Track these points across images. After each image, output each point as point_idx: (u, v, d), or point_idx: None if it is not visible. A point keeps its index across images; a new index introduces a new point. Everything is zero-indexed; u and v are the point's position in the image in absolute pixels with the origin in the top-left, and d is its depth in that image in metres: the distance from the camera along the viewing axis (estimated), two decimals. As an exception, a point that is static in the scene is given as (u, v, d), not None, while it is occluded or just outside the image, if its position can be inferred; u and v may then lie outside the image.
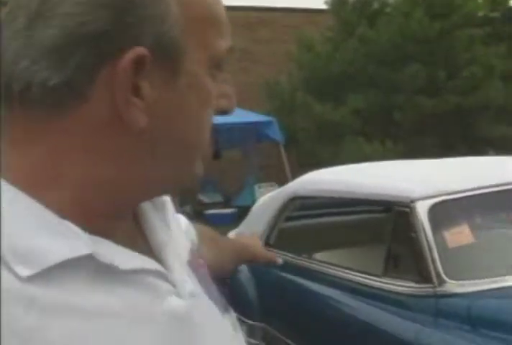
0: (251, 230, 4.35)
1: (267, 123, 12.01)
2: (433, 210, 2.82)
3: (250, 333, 3.89)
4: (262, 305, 3.88)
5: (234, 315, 0.91)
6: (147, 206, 0.81)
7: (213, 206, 12.82)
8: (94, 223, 0.67)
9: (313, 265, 3.60)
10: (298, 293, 3.62)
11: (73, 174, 0.66)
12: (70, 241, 0.63)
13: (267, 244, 4.10)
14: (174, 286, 0.73)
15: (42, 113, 0.65)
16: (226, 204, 12.83)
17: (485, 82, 11.81)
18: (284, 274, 3.77)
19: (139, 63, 0.64)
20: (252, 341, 3.86)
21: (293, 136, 12.20)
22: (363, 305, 3.01)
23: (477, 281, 2.62)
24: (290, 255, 3.84)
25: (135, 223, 0.79)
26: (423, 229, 2.78)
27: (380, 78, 11.59)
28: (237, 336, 0.87)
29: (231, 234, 4.68)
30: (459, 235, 2.76)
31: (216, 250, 1.40)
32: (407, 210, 2.88)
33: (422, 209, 2.82)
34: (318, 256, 3.97)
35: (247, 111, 12.49)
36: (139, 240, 0.77)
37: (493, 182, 2.95)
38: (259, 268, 4.03)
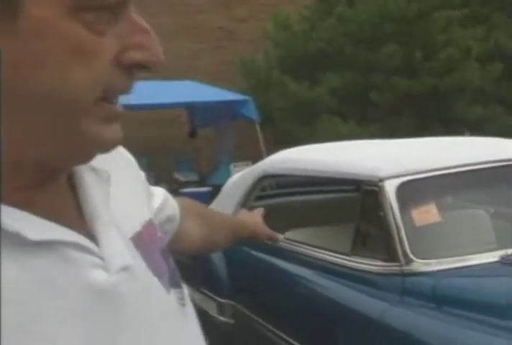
0: (221, 209, 4.35)
1: (243, 102, 11.95)
2: (401, 189, 2.83)
3: (220, 310, 3.90)
4: (233, 283, 3.89)
5: (185, 290, 0.89)
6: (89, 178, 0.77)
7: (189, 185, 12.78)
8: (13, 189, 0.64)
9: (283, 244, 3.59)
10: (267, 271, 3.63)
11: None
12: None
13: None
14: (102, 259, 0.70)
15: None
16: (201, 183, 12.79)
17: (462, 64, 11.82)
18: (254, 253, 3.77)
19: None
20: (222, 318, 3.87)
21: (268, 115, 12.17)
22: (332, 284, 3.03)
23: (443, 260, 2.64)
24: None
25: (73, 194, 0.75)
26: (391, 208, 2.79)
27: (357, 58, 11.56)
28: (183, 311, 0.84)
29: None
30: (427, 214, 2.78)
31: (204, 225, 1.40)
32: (375, 189, 2.89)
33: (390, 188, 2.83)
34: (288, 234, 3.97)
35: (223, 90, 12.44)
36: (73, 212, 0.74)
37: (461, 162, 2.97)
38: (231, 246, 4.03)
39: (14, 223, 0.62)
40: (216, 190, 6.50)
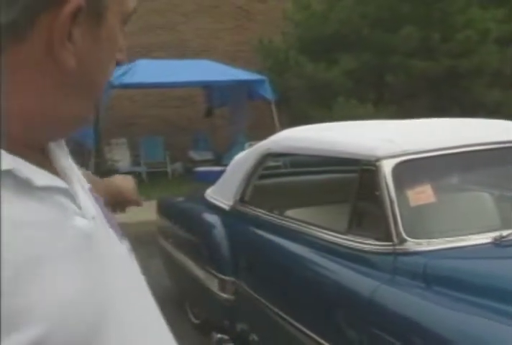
0: (226, 186, 4.40)
1: (259, 82, 11.96)
2: (398, 169, 2.84)
3: (222, 287, 3.95)
4: (234, 261, 3.93)
5: (127, 243, 1.02)
6: (54, 148, 0.92)
7: (204, 164, 12.84)
8: (17, 149, 0.75)
9: (284, 222, 3.64)
10: (267, 250, 3.67)
11: (1, 104, 0.74)
12: None
13: (242, 200, 4.15)
14: (79, 208, 0.83)
15: None
16: (216, 162, 12.83)
17: (480, 46, 11.73)
18: (255, 231, 3.81)
19: (75, 12, 0.73)
20: (223, 294, 3.92)
21: (285, 95, 12.16)
22: (327, 262, 3.06)
23: (435, 240, 2.65)
24: (262, 212, 3.89)
25: (43, 155, 0.89)
26: (387, 188, 2.81)
27: (373, 39, 11.50)
28: (132, 257, 1.00)
29: (209, 191, 4.73)
30: (422, 194, 2.79)
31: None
32: (372, 168, 2.90)
33: (387, 168, 2.85)
34: (289, 213, 4.01)
35: (240, 70, 12.42)
36: (49, 167, 0.86)
37: (458, 144, 2.97)
38: (233, 224, 4.08)
39: (23, 169, 0.74)
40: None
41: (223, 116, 14.19)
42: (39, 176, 0.76)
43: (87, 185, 0.97)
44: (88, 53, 0.78)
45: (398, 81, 11.56)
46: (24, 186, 0.74)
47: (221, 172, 4.73)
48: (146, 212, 4.85)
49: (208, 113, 14.19)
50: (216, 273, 4.00)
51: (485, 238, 2.63)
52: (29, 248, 0.71)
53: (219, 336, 3.97)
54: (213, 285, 4.02)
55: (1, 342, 0.66)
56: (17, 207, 0.72)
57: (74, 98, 0.81)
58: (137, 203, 1.89)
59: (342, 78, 11.59)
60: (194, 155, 13.70)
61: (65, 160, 0.92)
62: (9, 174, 0.72)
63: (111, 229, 0.95)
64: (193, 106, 14.72)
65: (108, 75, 0.86)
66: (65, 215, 0.79)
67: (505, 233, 2.60)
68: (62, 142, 0.95)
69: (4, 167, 0.71)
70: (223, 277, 3.93)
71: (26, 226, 0.72)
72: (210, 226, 4.26)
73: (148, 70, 11.40)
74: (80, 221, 0.81)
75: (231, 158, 4.76)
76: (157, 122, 14.22)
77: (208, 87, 13.54)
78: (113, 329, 0.82)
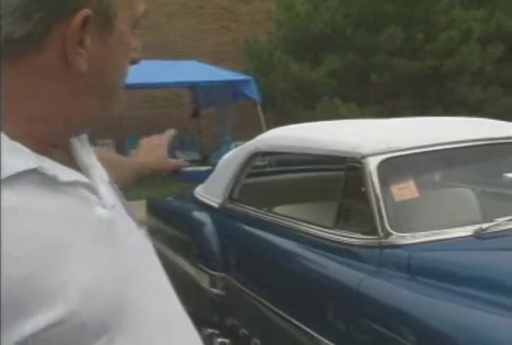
0: (215, 185, 4.49)
1: (245, 82, 12.05)
2: (382, 166, 2.95)
3: (212, 283, 4.04)
4: (224, 257, 4.02)
5: (144, 230, 1.12)
6: (73, 140, 1.01)
7: (191, 164, 12.88)
8: (40, 148, 0.84)
9: (272, 218, 3.73)
10: (256, 245, 3.76)
11: (26, 109, 0.84)
12: (22, 159, 0.80)
13: (231, 198, 4.25)
14: (100, 198, 0.92)
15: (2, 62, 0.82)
16: (203, 162, 12.89)
17: (463, 45, 11.88)
18: (245, 227, 3.91)
19: (85, 21, 0.82)
20: (214, 290, 4.01)
21: (270, 95, 12.25)
22: (315, 256, 3.16)
23: (418, 233, 2.76)
24: (251, 209, 3.98)
25: (66, 152, 0.98)
26: (372, 184, 2.92)
27: (358, 39, 11.62)
28: (148, 242, 1.10)
29: (199, 187, 4.82)
30: (405, 190, 2.90)
31: (117, 170, 1.55)
32: (358, 165, 3.01)
33: (372, 165, 2.95)
34: (277, 210, 4.11)
35: (225, 70, 12.51)
36: (73, 164, 0.96)
37: (440, 141, 3.09)
38: (223, 221, 4.17)
39: (48, 167, 0.83)
40: (217, 169, 6.59)
41: (209, 117, 14.26)
42: (63, 172, 0.85)
43: (107, 178, 1.05)
44: (100, 57, 0.87)
45: (381, 81, 11.68)
46: (50, 182, 0.83)
47: (209, 172, 4.81)
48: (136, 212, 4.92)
49: (195, 113, 14.25)
50: (206, 269, 4.09)
51: (465, 231, 2.74)
52: (55, 236, 0.80)
53: (210, 330, 4.06)
54: (204, 282, 4.11)
55: (25, 323, 0.74)
56: (44, 200, 0.81)
57: (88, 99, 0.90)
58: (179, 166, 1.93)
59: (327, 78, 11.70)
60: (181, 155, 13.72)
61: (87, 156, 1.01)
62: (35, 172, 0.81)
63: (129, 217, 1.04)
64: (179, 107, 14.79)
65: (122, 76, 0.95)
66: (88, 206, 0.89)
67: (484, 226, 2.71)
68: (85, 140, 1.05)
69: (30, 166, 0.80)
70: (213, 273, 4.02)
71: (52, 217, 0.81)
72: (200, 224, 4.35)
73: (134, 71, 11.35)
74: (100, 210, 0.90)
75: (217, 158, 4.86)
76: (143, 123, 14.27)
77: (194, 87, 13.60)
78: (134, 310, 0.90)
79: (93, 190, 0.92)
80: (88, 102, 0.90)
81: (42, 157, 0.83)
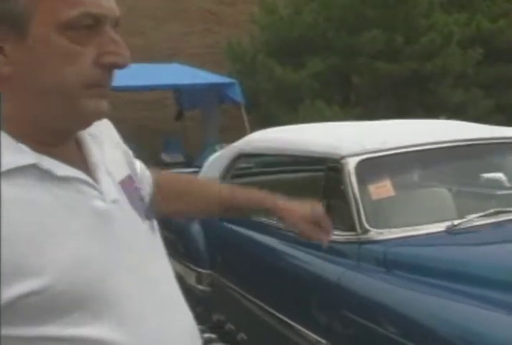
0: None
1: (229, 85, 12.12)
2: (360, 166, 3.09)
3: (198, 279, 4.16)
4: (210, 254, 4.15)
5: (155, 222, 1.25)
6: (88, 141, 1.13)
7: (176, 166, 12.94)
8: (38, 147, 0.98)
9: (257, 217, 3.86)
10: (241, 243, 3.90)
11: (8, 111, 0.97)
12: (21, 155, 0.95)
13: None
14: (101, 193, 1.05)
15: None
16: (188, 164, 12.95)
17: (443, 48, 12.02)
18: (229, 225, 4.04)
19: None
20: (200, 287, 4.14)
21: (254, 98, 12.34)
22: (297, 252, 3.28)
23: (395, 229, 2.91)
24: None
25: (79, 151, 1.11)
26: (351, 183, 3.06)
27: (339, 42, 11.74)
28: (153, 234, 1.21)
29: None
30: (382, 189, 3.05)
31: (174, 200, 1.67)
32: (337, 166, 3.15)
33: (350, 165, 3.09)
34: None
35: (209, 73, 12.59)
36: (81, 164, 1.08)
37: (416, 142, 3.24)
38: (208, 220, 4.30)
39: (45, 164, 0.97)
40: (202, 171, 6.67)
41: (194, 119, 14.33)
42: (60, 168, 0.99)
43: (120, 177, 1.17)
44: (23, 60, 0.96)
45: (363, 83, 11.83)
46: (48, 176, 0.97)
47: (194, 174, 4.91)
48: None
49: (179, 115, 14.32)
50: (193, 267, 4.21)
51: (439, 227, 2.89)
52: (47, 222, 0.95)
53: (197, 326, 4.17)
54: (191, 279, 4.23)
55: (13, 288, 0.91)
56: (41, 192, 0.96)
57: (31, 99, 0.99)
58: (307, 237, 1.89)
59: (309, 81, 11.81)
60: (166, 158, 13.82)
61: (99, 153, 1.13)
62: (35, 167, 0.96)
63: (135, 211, 1.15)
64: (164, 109, 14.85)
65: (60, 75, 0.98)
66: (85, 198, 1.02)
67: (456, 222, 2.87)
68: (100, 138, 1.16)
69: (30, 161, 0.95)
70: (200, 270, 4.14)
71: (47, 206, 0.96)
72: (186, 222, 4.48)
73: (118, 74, 11.48)
74: (98, 203, 1.04)
75: (202, 160, 4.96)
76: (127, 125, 14.31)
77: (178, 90, 13.66)
78: (116, 292, 1.02)
79: (92, 185, 1.04)
80: (30, 104, 0.99)
81: (40, 155, 0.97)
